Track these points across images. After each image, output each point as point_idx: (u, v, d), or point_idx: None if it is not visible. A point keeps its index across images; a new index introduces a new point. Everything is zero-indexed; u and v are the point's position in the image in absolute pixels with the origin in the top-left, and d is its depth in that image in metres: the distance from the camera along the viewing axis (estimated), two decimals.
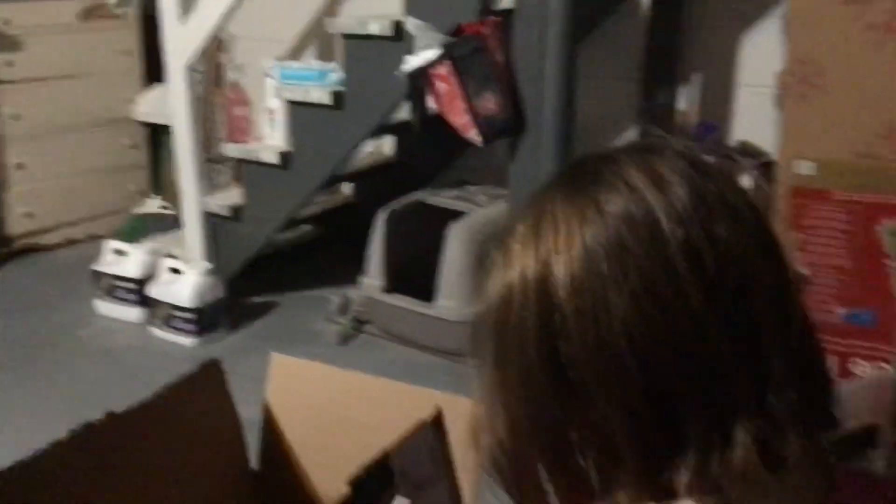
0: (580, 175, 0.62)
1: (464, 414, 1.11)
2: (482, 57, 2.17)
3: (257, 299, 2.98)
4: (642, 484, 0.56)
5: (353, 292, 2.83)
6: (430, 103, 2.28)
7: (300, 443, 1.27)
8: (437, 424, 1.11)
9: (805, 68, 2.10)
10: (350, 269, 2.88)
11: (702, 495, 0.56)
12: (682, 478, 0.55)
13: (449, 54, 2.16)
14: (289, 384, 1.29)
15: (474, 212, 2.67)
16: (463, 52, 2.16)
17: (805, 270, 2.20)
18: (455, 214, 2.66)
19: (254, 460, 1.29)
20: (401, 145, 3.29)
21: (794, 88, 2.15)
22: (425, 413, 1.13)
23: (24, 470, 0.96)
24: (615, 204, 0.58)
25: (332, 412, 1.24)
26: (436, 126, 2.34)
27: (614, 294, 0.56)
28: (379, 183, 3.24)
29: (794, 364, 0.57)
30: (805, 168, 2.16)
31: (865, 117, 2.03)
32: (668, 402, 0.55)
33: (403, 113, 2.71)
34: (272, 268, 3.14)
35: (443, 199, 2.78)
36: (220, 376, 1.25)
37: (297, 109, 2.68)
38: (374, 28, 2.45)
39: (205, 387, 1.23)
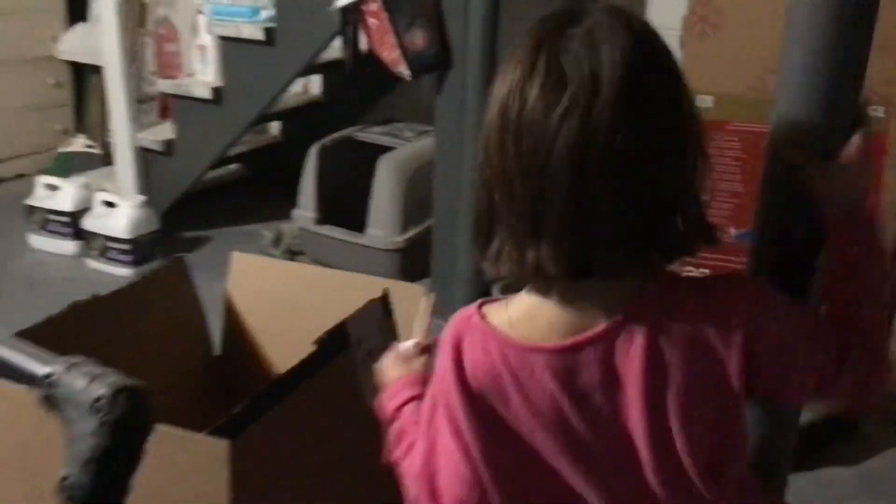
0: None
1: (406, 297, 1.28)
2: None
3: (190, 234, 3.07)
4: (514, 261, 0.78)
5: (285, 226, 2.95)
6: (362, 40, 2.40)
7: (260, 330, 1.41)
8: (385, 303, 1.26)
9: (705, 9, 2.31)
10: (279, 205, 2.99)
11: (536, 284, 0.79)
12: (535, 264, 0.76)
13: None
14: (248, 279, 1.43)
15: (402, 146, 2.81)
16: None
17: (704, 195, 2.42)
18: (383, 149, 2.80)
19: (217, 347, 1.43)
20: (328, 85, 3.39)
21: (694, 28, 2.35)
22: (374, 295, 1.29)
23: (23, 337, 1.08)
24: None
25: (289, 301, 1.38)
26: (366, 63, 2.46)
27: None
28: (306, 122, 3.35)
29: (643, 195, 0.75)
30: (703, 102, 2.37)
31: (757, 53, 2.24)
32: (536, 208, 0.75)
33: (332, 52, 2.82)
34: (203, 205, 3.22)
35: (371, 134, 2.92)
36: (185, 271, 1.38)
37: (229, 45, 2.76)
38: None
39: (172, 280, 1.36)
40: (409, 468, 0.87)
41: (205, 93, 2.82)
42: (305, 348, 1.20)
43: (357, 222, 2.75)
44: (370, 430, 1.29)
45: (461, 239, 2.35)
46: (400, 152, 2.78)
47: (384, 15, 2.29)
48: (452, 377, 0.81)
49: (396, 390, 0.97)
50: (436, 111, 2.47)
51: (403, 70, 2.36)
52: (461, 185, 2.34)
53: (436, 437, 0.83)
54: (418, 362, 0.99)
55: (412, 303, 1.30)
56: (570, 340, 0.79)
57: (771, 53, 2.24)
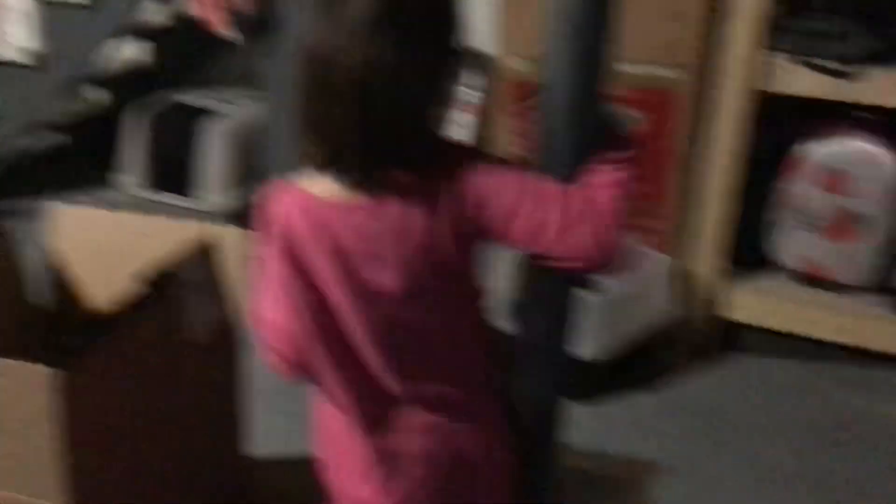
0: None
1: (227, 239, 1.34)
2: None
3: (14, 205, 2.97)
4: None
5: (113, 194, 2.91)
6: (188, 4, 2.40)
7: (90, 282, 1.43)
8: (208, 246, 1.32)
9: None
10: (104, 174, 2.94)
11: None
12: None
13: None
14: (71, 230, 1.44)
15: (230, 110, 2.83)
16: None
17: (527, 153, 2.59)
18: (210, 114, 2.81)
19: (45, 297, 1.44)
20: (154, 50, 3.34)
21: None
22: (202, 237, 1.34)
23: None
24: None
25: (114, 250, 1.41)
26: (192, 28, 2.46)
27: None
28: (132, 89, 3.29)
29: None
30: (519, 64, 2.53)
31: None
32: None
33: (160, 18, 2.79)
34: (23, 174, 3.12)
35: (199, 99, 2.91)
36: (8, 242, 1.38)
37: (46, 8, 2.69)
38: None
39: None
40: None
41: (22, 57, 2.73)
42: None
43: (185, 186, 2.76)
44: (203, 373, 1.36)
45: None
46: (228, 116, 2.80)
47: None
48: (277, 223, 1.01)
49: None
50: (268, 75, 2.50)
51: (232, 33, 2.38)
52: (297, 147, 2.40)
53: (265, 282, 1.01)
54: None
55: (234, 246, 1.37)
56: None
57: None
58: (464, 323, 1.09)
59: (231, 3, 2.34)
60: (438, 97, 0.99)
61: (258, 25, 2.40)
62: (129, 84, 3.31)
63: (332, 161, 0.99)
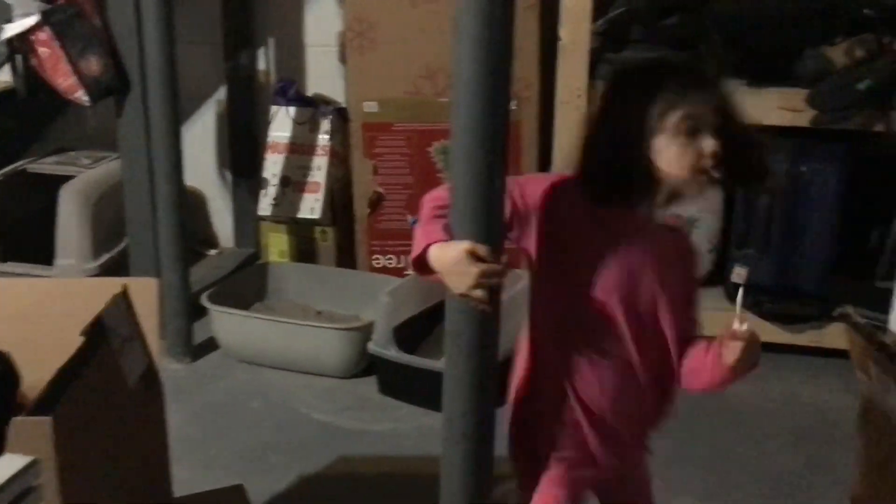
0: None
1: (138, 292, 1.40)
2: (81, 21, 2.34)
3: None
4: None
5: None
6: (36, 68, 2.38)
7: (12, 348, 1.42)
8: (125, 297, 1.37)
9: (361, 25, 2.61)
10: None
11: None
12: None
13: (47, 20, 2.29)
14: None
15: (82, 174, 2.80)
16: (61, 18, 2.31)
17: (381, 189, 2.73)
18: (62, 179, 2.77)
19: None
20: None
21: (353, 43, 2.64)
22: (115, 291, 1.38)
23: None
24: None
25: (35, 316, 1.42)
26: (38, 92, 2.44)
27: None
28: None
29: None
30: (370, 107, 2.68)
31: (410, 62, 2.59)
32: None
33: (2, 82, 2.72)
34: None
35: (46, 165, 2.86)
36: None
37: None
38: None
39: None
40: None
41: None
42: (62, 355, 1.26)
43: (44, 254, 2.70)
44: (138, 420, 1.39)
45: (165, 254, 2.43)
46: (81, 180, 2.77)
47: (55, 43, 2.31)
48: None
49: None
50: (119, 134, 2.51)
51: (81, 96, 2.39)
52: (157, 202, 2.43)
53: None
54: None
55: (143, 295, 1.42)
56: None
57: (422, 62, 2.60)
58: None
59: (79, 68, 2.36)
60: None
61: (109, 87, 2.42)
62: None
63: None
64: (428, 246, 1.15)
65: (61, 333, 1.31)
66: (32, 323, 1.41)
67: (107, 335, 1.27)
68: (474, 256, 1.14)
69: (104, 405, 1.25)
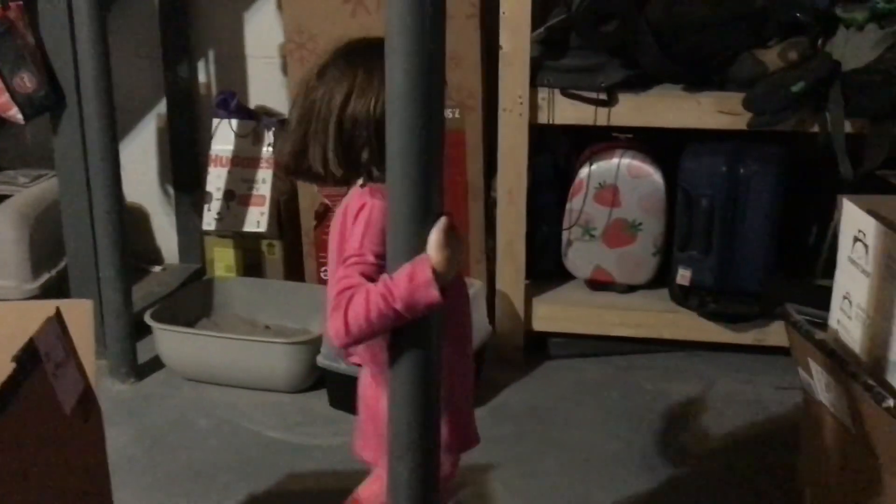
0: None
1: (72, 314, 1.36)
2: (12, 38, 2.29)
3: None
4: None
5: None
6: None
7: None
8: (59, 320, 1.34)
9: (300, 37, 2.59)
10: None
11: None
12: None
13: None
14: None
15: (19, 193, 2.74)
16: None
17: (327, 201, 2.71)
18: None
19: None
20: None
21: (294, 55, 2.63)
22: (48, 314, 1.35)
23: None
24: None
25: None
26: None
27: None
28: None
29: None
30: None
31: None
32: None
33: None
34: None
35: None
36: None
37: None
38: None
39: None
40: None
41: None
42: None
43: None
44: (79, 443, 1.36)
45: (105, 272, 2.39)
46: (18, 199, 2.71)
47: None
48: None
49: None
50: (55, 151, 2.46)
51: (15, 114, 2.34)
52: (95, 220, 2.38)
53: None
54: None
55: (78, 318, 1.39)
56: None
57: None
58: None
59: (12, 85, 2.31)
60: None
61: (43, 104, 2.38)
62: None
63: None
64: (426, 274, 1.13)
65: None
66: None
67: (39, 360, 1.24)
68: (451, 230, 1.14)
69: (37, 432, 1.22)
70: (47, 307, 1.36)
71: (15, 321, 1.36)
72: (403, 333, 1.19)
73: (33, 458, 1.20)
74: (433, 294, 1.12)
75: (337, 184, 1.38)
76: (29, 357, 1.22)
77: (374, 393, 1.41)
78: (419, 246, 1.13)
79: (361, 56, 1.35)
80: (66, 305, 1.38)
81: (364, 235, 1.24)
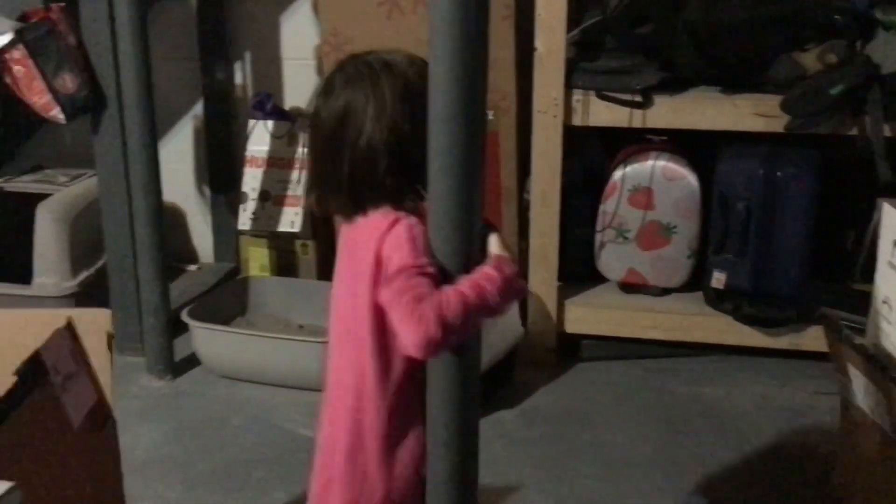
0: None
1: (87, 323, 1.35)
2: (55, 39, 2.33)
3: None
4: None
5: None
6: (10, 87, 2.36)
7: None
8: (70, 330, 1.32)
9: (337, 39, 2.61)
10: None
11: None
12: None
13: (21, 38, 2.28)
14: None
15: (58, 192, 2.78)
16: (35, 36, 2.30)
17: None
18: (38, 197, 2.75)
19: None
20: None
21: (330, 56, 2.65)
22: (60, 324, 1.34)
23: None
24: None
25: None
26: (13, 111, 2.43)
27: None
28: None
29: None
30: None
31: None
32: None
33: None
34: None
35: (22, 184, 2.85)
36: None
37: None
38: None
39: None
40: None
41: None
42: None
43: (22, 273, 2.68)
44: (84, 458, 1.35)
45: (144, 271, 2.42)
46: (58, 198, 2.75)
47: (30, 62, 2.30)
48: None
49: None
50: (95, 151, 2.50)
51: (57, 114, 2.37)
52: (134, 219, 2.41)
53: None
54: None
55: (93, 327, 1.38)
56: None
57: None
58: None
59: (55, 86, 2.34)
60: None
61: (84, 105, 2.41)
62: None
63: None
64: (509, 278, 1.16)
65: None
66: None
67: (45, 372, 1.23)
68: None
69: (43, 448, 1.21)
70: (60, 317, 1.33)
71: (25, 330, 1.31)
72: None
73: (36, 476, 1.18)
74: (521, 284, 1.20)
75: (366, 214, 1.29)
76: (33, 370, 1.20)
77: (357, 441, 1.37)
78: (467, 245, 1.14)
79: (362, 79, 1.25)
80: (81, 315, 1.36)
81: (413, 248, 1.20)
